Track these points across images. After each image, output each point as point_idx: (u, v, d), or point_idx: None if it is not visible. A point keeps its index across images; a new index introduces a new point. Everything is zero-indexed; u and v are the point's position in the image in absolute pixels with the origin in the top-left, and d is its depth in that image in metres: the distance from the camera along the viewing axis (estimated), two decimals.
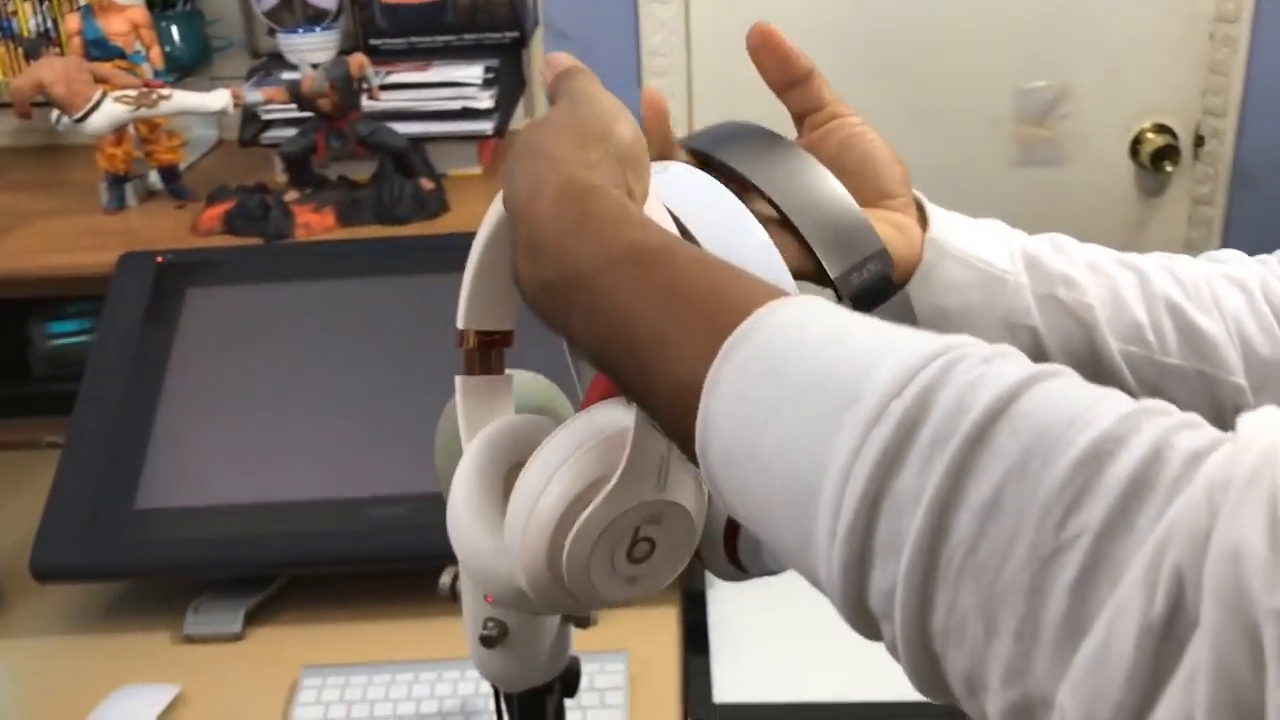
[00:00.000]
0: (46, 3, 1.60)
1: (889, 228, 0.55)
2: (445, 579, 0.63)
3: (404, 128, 1.38)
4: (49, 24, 1.61)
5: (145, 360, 1.08)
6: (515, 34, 1.53)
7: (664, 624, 0.97)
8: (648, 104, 0.57)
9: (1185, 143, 1.83)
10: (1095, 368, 0.62)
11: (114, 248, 1.19)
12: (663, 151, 0.56)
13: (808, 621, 1.01)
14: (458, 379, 0.50)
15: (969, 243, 0.59)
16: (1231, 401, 0.63)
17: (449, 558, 0.64)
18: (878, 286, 0.50)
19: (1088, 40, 1.79)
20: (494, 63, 1.47)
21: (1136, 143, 1.83)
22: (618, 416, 0.43)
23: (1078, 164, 1.83)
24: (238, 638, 0.98)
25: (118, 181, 1.39)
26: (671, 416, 0.40)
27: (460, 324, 0.49)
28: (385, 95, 1.38)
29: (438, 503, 0.94)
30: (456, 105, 1.42)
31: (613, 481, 0.41)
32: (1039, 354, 0.61)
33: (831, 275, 0.50)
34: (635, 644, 0.93)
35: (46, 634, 1.00)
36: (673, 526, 0.43)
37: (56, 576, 0.99)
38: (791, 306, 0.38)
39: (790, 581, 1.09)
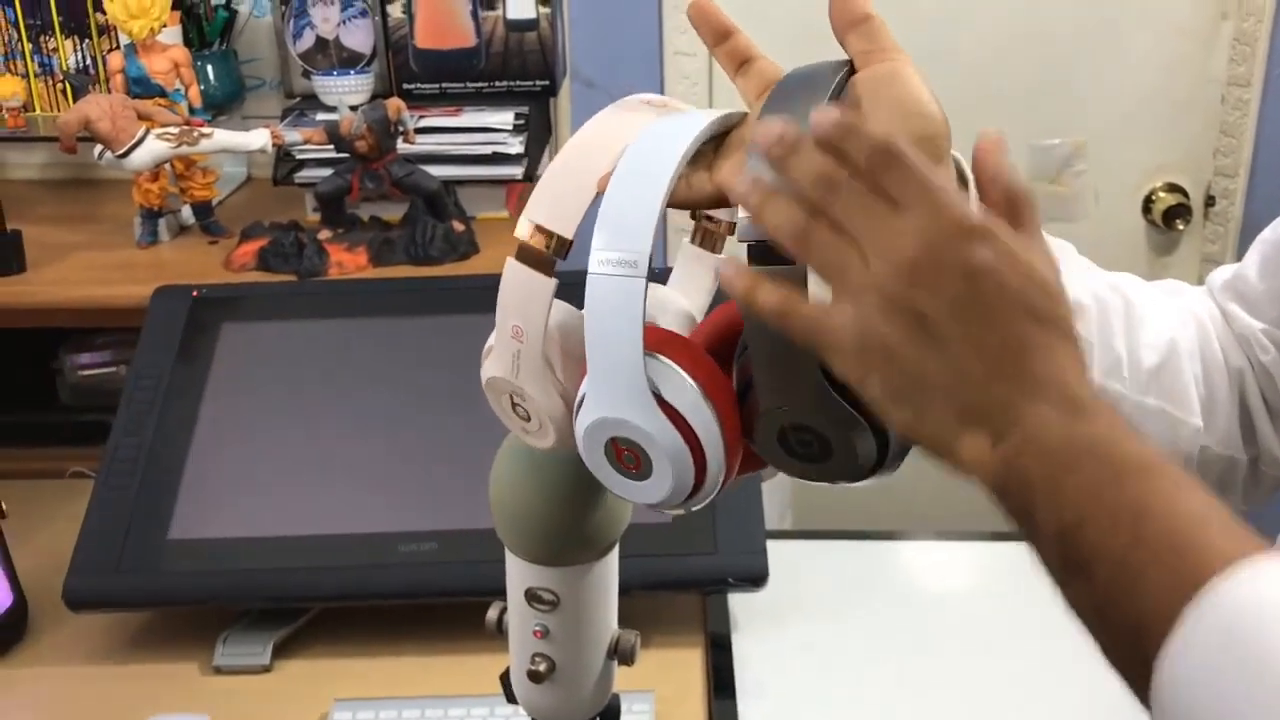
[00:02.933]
0: (87, 40, 1.63)
1: None
2: (492, 614, 0.65)
3: (435, 171, 1.41)
4: (88, 61, 1.64)
5: (179, 393, 1.10)
6: (545, 82, 1.56)
7: (689, 664, 0.98)
8: (695, 15, 0.59)
9: (1196, 202, 1.86)
10: None
11: (146, 281, 1.21)
12: (723, 44, 0.58)
13: (832, 664, 1.02)
14: (509, 261, 0.53)
15: None
16: (1187, 443, 0.65)
17: (479, 593, 0.66)
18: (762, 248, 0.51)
19: (1102, 100, 1.82)
20: (524, 109, 1.50)
21: (1149, 201, 1.86)
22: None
23: (1090, 220, 1.86)
24: (266, 669, 0.99)
25: (152, 216, 1.42)
26: (1120, 634, 0.43)
27: (527, 213, 0.53)
28: (418, 139, 1.41)
29: (467, 538, 0.96)
30: (487, 150, 1.45)
31: (488, 345, 0.54)
32: None
33: (739, 238, 0.52)
34: (661, 684, 0.94)
35: (75, 662, 1.01)
36: (532, 407, 0.53)
37: (90, 605, 1.00)
38: (1261, 575, 0.40)
39: (813, 626, 1.10)
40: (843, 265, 0.46)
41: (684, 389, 0.49)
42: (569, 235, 0.50)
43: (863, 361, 0.46)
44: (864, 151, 0.46)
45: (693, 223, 0.61)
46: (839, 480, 0.52)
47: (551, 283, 0.51)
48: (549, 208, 0.51)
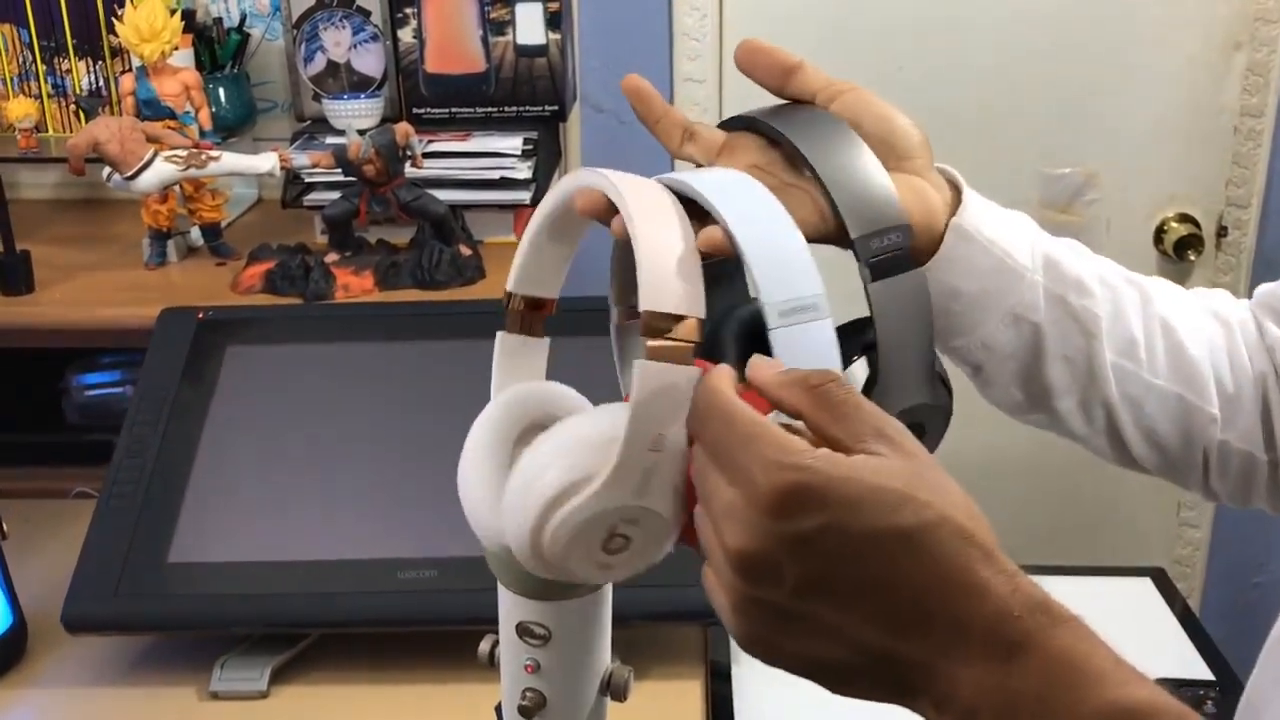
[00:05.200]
0: (100, 62, 1.64)
1: (907, 192, 0.56)
2: (485, 646, 0.64)
3: (443, 195, 1.41)
4: (100, 83, 1.65)
5: (183, 415, 1.10)
6: (554, 107, 1.57)
7: (689, 695, 0.97)
8: (628, 91, 0.59)
9: (1208, 232, 1.85)
10: (1088, 374, 0.64)
11: (154, 302, 1.22)
12: (664, 118, 0.59)
13: (831, 699, 1.01)
14: (499, 334, 0.52)
15: (996, 232, 0.61)
16: (1203, 432, 0.66)
17: (477, 622, 0.65)
18: (896, 257, 0.52)
19: (1115, 130, 1.82)
20: (533, 134, 1.50)
21: (1160, 231, 1.85)
22: (622, 421, 0.45)
23: (1102, 250, 1.84)
24: (264, 695, 0.98)
25: (160, 237, 1.42)
26: None
27: (509, 286, 0.52)
28: (426, 163, 1.41)
29: (468, 566, 0.96)
30: (495, 175, 1.45)
31: (596, 484, 0.45)
32: (1037, 349, 0.63)
33: (852, 236, 0.52)
34: (660, 715, 0.93)
35: (72, 685, 1.01)
36: (648, 528, 0.47)
37: (88, 628, 0.99)
38: None
39: None
40: (709, 552, 0.44)
41: None
42: (701, 314, 0.45)
43: (760, 654, 0.43)
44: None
45: (507, 309, 0.56)
46: None
47: (698, 372, 0.45)
48: (673, 294, 0.45)
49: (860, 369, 0.53)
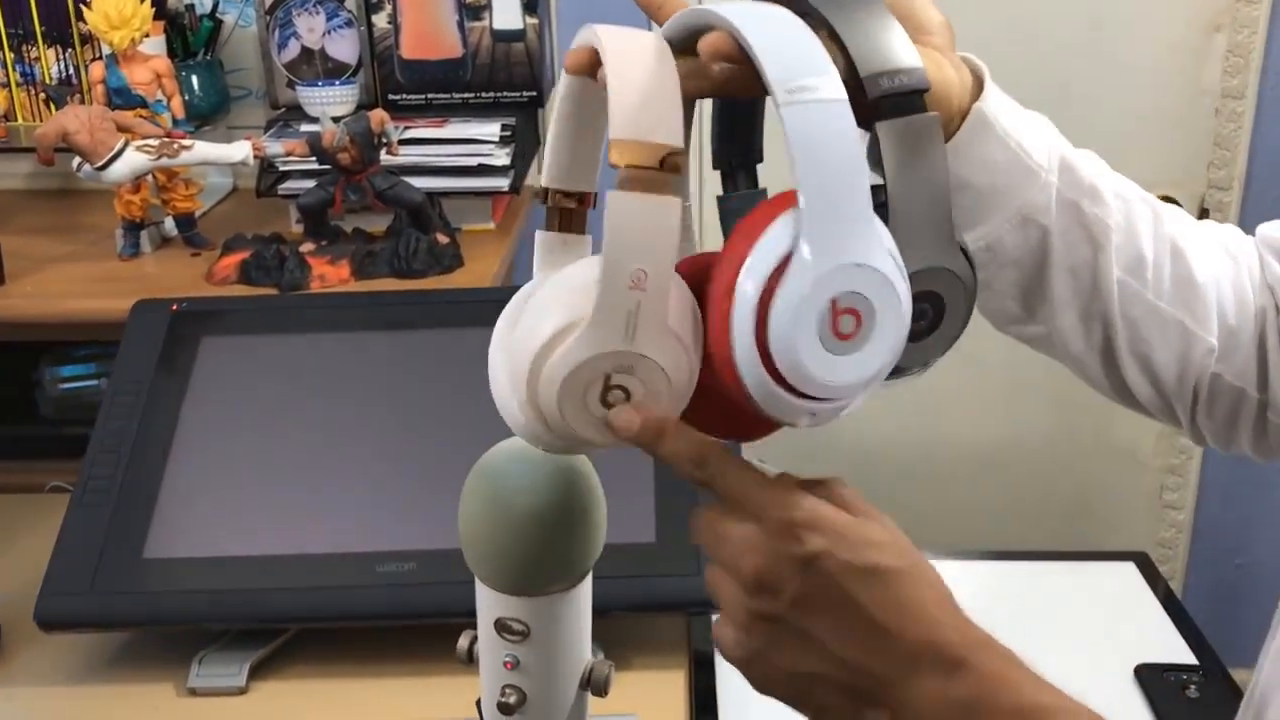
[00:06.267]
0: (70, 50, 1.62)
1: (925, 60, 0.52)
2: (463, 642, 0.63)
3: (420, 182, 1.39)
4: (71, 71, 1.63)
5: (157, 408, 1.08)
6: (532, 93, 1.55)
7: (672, 688, 0.97)
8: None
9: (1191, 213, 1.84)
10: (1092, 288, 0.63)
11: (128, 294, 1.20)
12: (666, 4, 0.54)
13: None
14: (538, 233, 0.50)
15: (1014, 127, 0.59)
16: (1199, 362, 0.65)
17: (457, 615, 0.64)
18: (908, 97, 0.47)
19: (1096, 113, 1.81)
20: (510, 121, 1.49)
21: None
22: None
23: None
24: (242, 691, 0.97)
25: (134, 228, 1.41)
26: None
27: (543, 182, 0.50)
28: (402, 150, 1.40)
29: (447, 559, 0.94)
30: (473, 162, 1.44)
31: (581, 326, 0.44)
32: (1042, 256, 0.61)
33: (861, 74, 0.47)
34: (643, 706, 0.93)
35: (48, 683, 0.99)
36: (645, 378, 0.45)
37: (62, 625, 0.98)
38: None
39: None
40: (715, 585, 0.49)
41: (886, 235, 0.43)
42: (680, 144, 0.43)
43: (754, 675, 0.50)
44: (682, 454, 0.47)
45: (545, 206, 0.53)
46: (925, 360, 0.49)
47: (678, 202, 0.43)
48: (643, 121, 0.42)
49: None
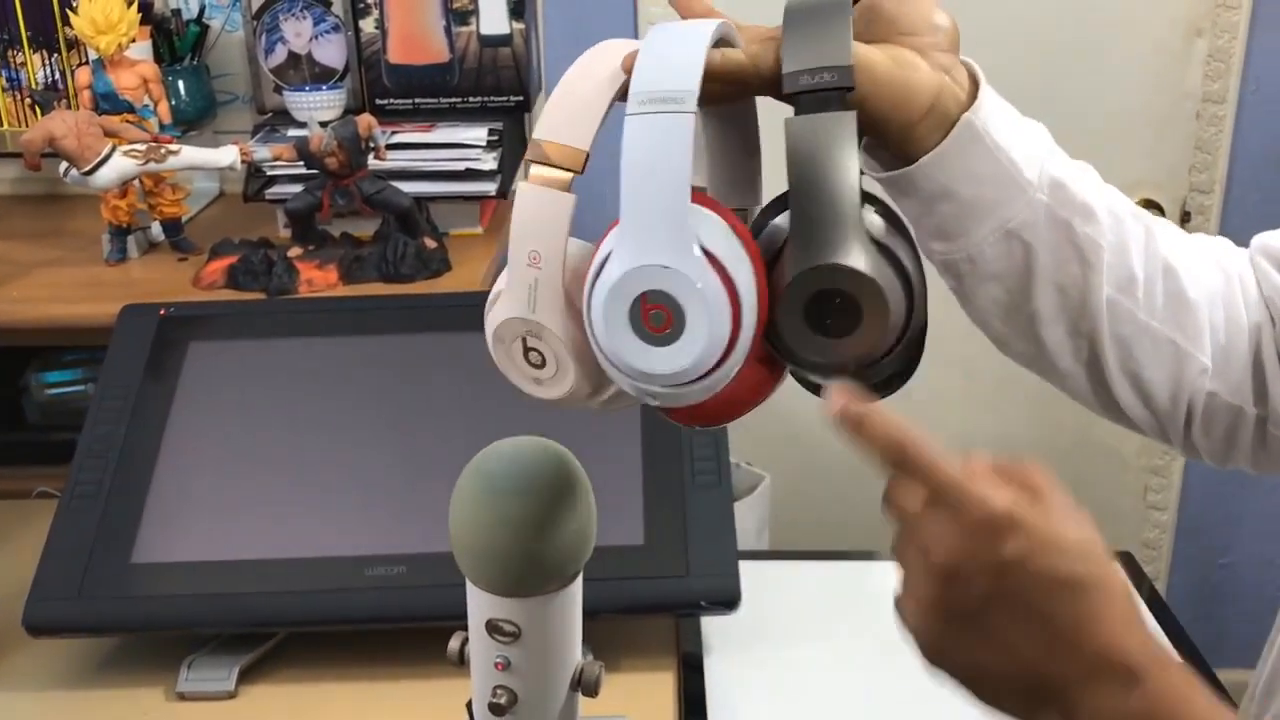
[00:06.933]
0: (56, 55, 1.62)
1: (887, 59, 0.53)
2: (454, 644, 0.63)
3: (408, 187, 1.40)
4: (57, 76, 1.63)
5: (145, 413, 1.08)
6: (519, 98, 1.56)
7: (661, 687, 0.97)
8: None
9: (1173, 217, 1.86)
10: (1080, 306, 0.61)
11: (115, 299, 1.20)
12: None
13: (807, 686, 1.01)
14: (521, 185, 0.51)
15: (1006, 139, 0.57)
16: (1193, 381, 0.64)
17: (447, 618, 0.65)
18: (823, 95, 0.49)
19: (1078, 116, 1.82)
20: (498, 125, 1.49)
21: None
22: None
23: None
24: (231, 695, 0.97)
25: (120, 233, 1.40)
26: None
27: (536, 134, 0.52)
28: (390, 155, 1.40)
29: (436, 562, 0.95)
30: (460, 166, 1.44)
31: (495, 292, 0.51)
32: (1026, 271, 0.60)
33: (783, 70, 0.49)
34: (632, 708, 0.93)
35: (36, 689, 0.99)
36: (549, 345, 0.50)
37: (50, 631, 0.98)
38: None
39: (787, 649, 1.09)
40: (904, 561, 0.50)
41: (724, 236, 0.47)
42: (584, 146, 0.48)
43: (929, 653, 0.50)
44: (879, 445, 0.49)
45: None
46: (860, 361, 0.50)
47: (570, 198, 0.48)
48: (557, 124, 0.49)
49: (783, 220, 0.50)
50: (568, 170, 0.48)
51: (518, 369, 0.52)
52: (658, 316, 0.46)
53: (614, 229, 0.48)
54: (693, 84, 0.45)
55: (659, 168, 0.45)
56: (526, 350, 0.51)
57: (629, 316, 0.47)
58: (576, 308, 0.49)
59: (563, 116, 0.49)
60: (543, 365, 0.51)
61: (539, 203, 0.48)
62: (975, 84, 0.58)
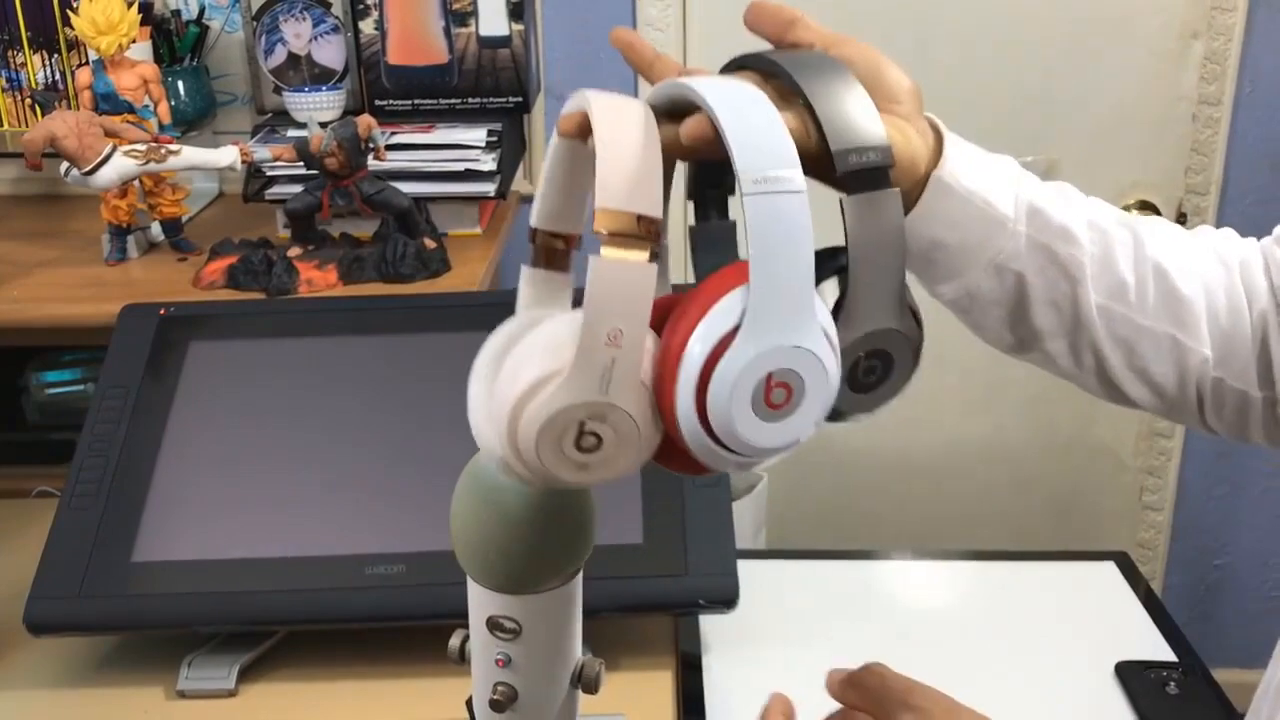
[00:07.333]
0: (56, 55, 1.62)
1: (893, 130, 0.56)
2: (455, 641, 0.64)
3: (407, 188, 1.40)
4: (57, 76, 1.63)
5: (145, 412, 1.09)
6: (518, 99, 1.56)
7: (660, 686, 0.97)
8: (619, 43, 0.60)
9: (1168, 218, 1.87)
10: (1074, 318, 0.66)
11: (114, 299, 1.20)
12: (657, 62, 0.60)
13: (805, 685, 1.01)
14: (523, 268, 0.52)
15: (977, 182, 0.61)
16: (1197, 371, 0.67)
17: (446, 617, 0.65)
18: (874, 173, 0.51)
19: (1075, 118, 1.83)
20: (497, 126, 1.49)
21: None
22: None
23: None
24: (232, 694, 0.98)
25: (120, 233, 1.41)
26: None
27: (532, 223, 0.53)
28: (389, 155, 1.40)
29: (436, 561, 0.95)
30: (460, 167, 1.44)
31: (561, 377, 0.47)
32: (1020, 295, 0.65)
33: (832, 149, 0.51)
34: (631, 707, 0.93)
35: (37, 687, 1.00)
36: (617, 426, 0.48)
37: (51, 629, 0.98)
38: None
39: (785, 648, 1.09)
40: None
41: (824, 310, 0.48)
42: (658, 214, 0.47)
43: None
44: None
45: (533, 244, 0.57)
46: (872, 407, 0.53)
47: (654, 268, 0.46)
48: (625, 192, 0.46)
49: (830, 289, 0.52)
50: (647, 241, 0.46)
51: (559, 457, 0.48)
52: (779, 393, 0.47)
53: (721, 299, 0.47)
54: (796, 163, 0.46)
55: (787, 251, 0.46)
56: (581, 436, 0.48)
57: (753, 394, 0.47)
58: (646, 385, 0.48)
59: (629, 184, 0.47)
60: (596, 449, 0.48)
61: (623, 278, 0.46)
62: (939, 136, 0.61)
